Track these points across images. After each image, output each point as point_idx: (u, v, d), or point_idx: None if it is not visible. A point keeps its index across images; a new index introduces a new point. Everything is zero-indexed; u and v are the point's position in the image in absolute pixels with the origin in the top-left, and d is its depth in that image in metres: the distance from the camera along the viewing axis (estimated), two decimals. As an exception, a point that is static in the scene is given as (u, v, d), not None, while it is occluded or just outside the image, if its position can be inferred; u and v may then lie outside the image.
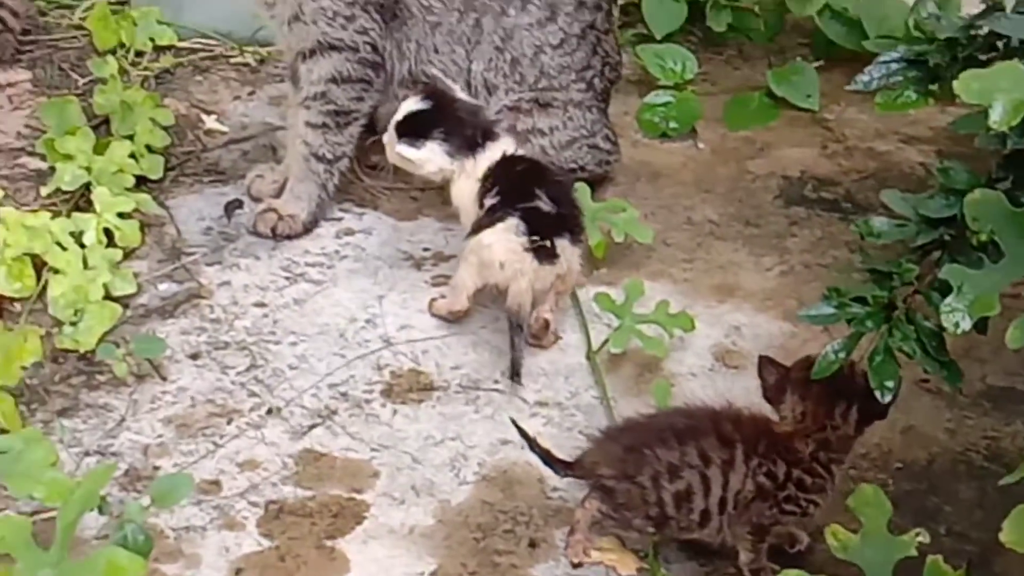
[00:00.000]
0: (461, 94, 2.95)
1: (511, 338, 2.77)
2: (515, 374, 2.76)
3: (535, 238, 2.77)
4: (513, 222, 2.80)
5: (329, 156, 3.08)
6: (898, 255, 2.42)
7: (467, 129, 2.88)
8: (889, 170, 3.33)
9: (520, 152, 2.93)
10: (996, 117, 1.89)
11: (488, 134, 2.90)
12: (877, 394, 2.25)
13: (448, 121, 2.88)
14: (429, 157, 2.88)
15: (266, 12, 3.03)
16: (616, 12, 3.51)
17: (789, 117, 3.51)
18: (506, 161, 2.88)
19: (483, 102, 3.03)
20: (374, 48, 3.02)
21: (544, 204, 2.83)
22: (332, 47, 2.99)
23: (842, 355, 2.26)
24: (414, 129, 2.88)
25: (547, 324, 2.87)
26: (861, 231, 2.45)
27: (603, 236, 3.00)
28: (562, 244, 2.81)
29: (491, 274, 2.81)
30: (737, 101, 3.52)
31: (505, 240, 2.79)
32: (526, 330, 2.80)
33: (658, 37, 3.62)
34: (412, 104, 2.89)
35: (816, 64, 3.59)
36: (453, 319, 2.89)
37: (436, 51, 3.07)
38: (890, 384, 2.24)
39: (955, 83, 1.93)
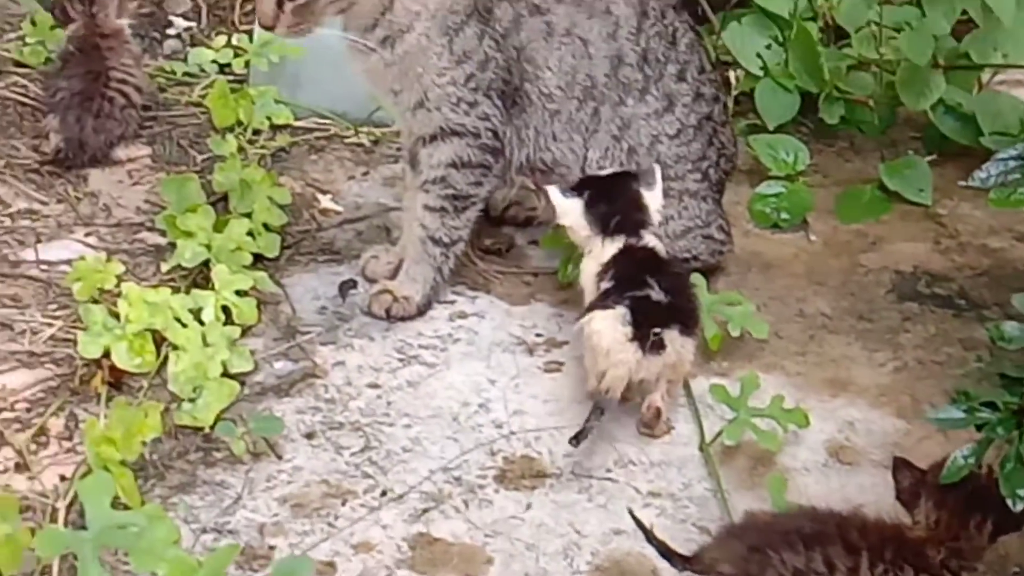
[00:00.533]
0: (651, 189, 2.98)
1: (589, 415, 2.78)
2: (576, 438, 2.75)
3: (656, 330, 2.78)
4: (621, 311, 2.81)
5: (446, 240, 3.11)
6: (1030, 360, 2.41)
7: (614, 211, 2.93)
8: (1003, 268, 3.31)
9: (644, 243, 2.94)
10: None
11: (629, 227, 2.93)
12: (1008, 502, 2.24)
13: (606, 194, 2.94)
14: (567, 210, 2.96)
15: (390, 99, 3.07)
16: (730, 102, 3.54)
17: (901, 211, 3.51)
18: (628, 249, 2.90)
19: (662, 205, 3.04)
20: (495, 134, 3.05)
21: (655, 293, 2.84)
22: (454, 132, 3.03)
23: (971, 461, 2.25)
24: (579, 184, 2.98)
25: (659, 413, 2.87)
26: (992, 336, 2.43)
27: (718, 328, 3.00)
28: (671, 335, 2.82)
29: (597, 358, 2.82)
30: (849, 194, 3.53)
31: (611, 328, 2.81)
32: (606, 415, 2.79)
33: (771, 128, 3.64)
34: (606, 170, 3.00)
35: (929, 158, 3.59)
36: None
37: (555, 138, 3.10)
38: (1022, 492, 2.23)
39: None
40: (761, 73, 3.70)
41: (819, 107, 3.66)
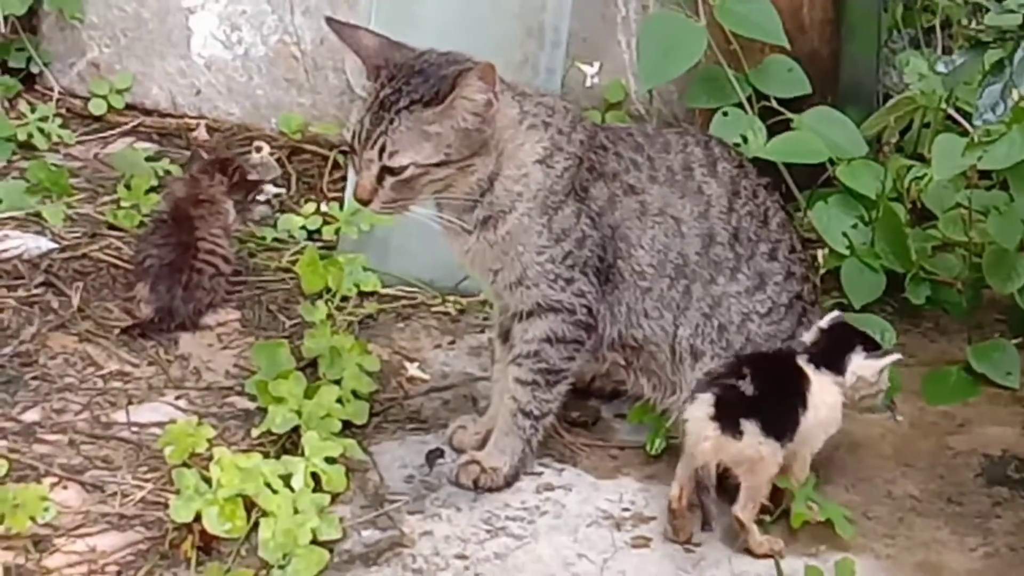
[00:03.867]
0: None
1: (699, 497, 2.92)
2: (706, 524, 2.93)
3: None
4: (707, 396, 2.92)
5: (536, 413, 3.12)
6: None
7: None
8: (1092, 454, 3.30)
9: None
10: None
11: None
12: None
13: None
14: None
15: (487, 278, 3.10)
16: (817, 280, 3.55)
17: (989, 394, 3.50)
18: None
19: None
20: (589, 311, 3.07)
21: (745, 386, 2.92)
22: (550, 308, 3.06)
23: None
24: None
25: (741, 524, 2.92)
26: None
27: (806, 511, 2.99)
28: (750, 427, 2.89)
29: (688, 444, 2.94)
30: (936, 375, 3.52)
31: (698, 411, 2.92)
32: (712, 491, 2.91)
33: (856, 306, 3.65)
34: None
35: (1015, 341, 3.59)
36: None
37: (646, 315, 3.12)
38: None
39: None
40: (847, 252, 3.72)
41: (905, 287, 3.68)
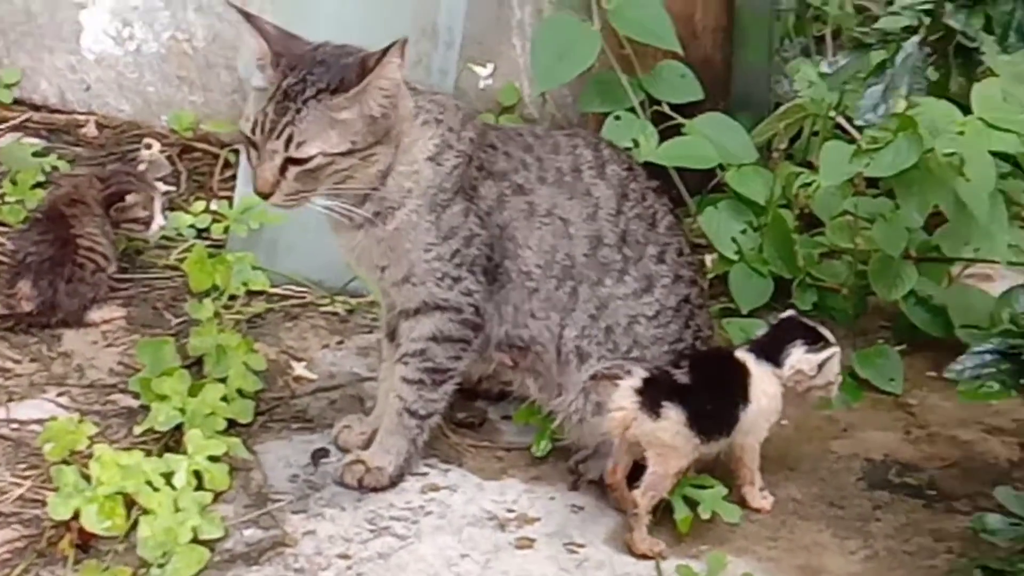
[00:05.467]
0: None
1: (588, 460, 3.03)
2: (574, 487, 3.06)
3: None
4: (640, 371, 2.98)
5: (422, 412, 3.11)
6: (1008, 552, 2.41)
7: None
8: (973, 460, 3.33)
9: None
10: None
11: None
12: None
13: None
14: None
15: (375, 274, 3.08)
16: (704, 285, 3.57)
17: (872, 399, 3.53)
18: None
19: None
20: (476, 310, 3.07)
21: (681, 376, 2.98)
22: (437, 307, 3.05)
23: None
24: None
25: (635, 507, 2.94)
26: (975, 527, 2.45)
27: (688, 511, 3.01)
28: (672, 413, 2.93)
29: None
30: (820, 380, 3.55)
31: (626, 381, 2.97)
32: (607, 459, 2.97)
33: (744, 311, 3.68)
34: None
35: (899, 348, 3.63)
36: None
37: (533, 316, 3.11)
38: None
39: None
40: (736, 257, 3.75)
41: (792, 293, 3.70)
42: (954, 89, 3.54)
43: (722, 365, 3.09)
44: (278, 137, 2.87)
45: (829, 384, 3.10)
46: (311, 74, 2.89)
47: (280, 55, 2.92)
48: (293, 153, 2.86)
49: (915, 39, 2.62)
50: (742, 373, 3.05)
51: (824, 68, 2.83)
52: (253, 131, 2.90)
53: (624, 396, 2.95)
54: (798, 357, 3.06)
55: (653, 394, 2.95)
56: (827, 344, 3.09)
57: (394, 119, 2.94)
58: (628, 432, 2.95)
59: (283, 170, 2.88)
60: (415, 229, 3.00)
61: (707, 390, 3.01)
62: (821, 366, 3.06)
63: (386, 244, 3.01)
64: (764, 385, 3.06)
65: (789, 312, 3.18)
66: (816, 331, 3.12)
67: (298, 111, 2.86)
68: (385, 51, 2.88)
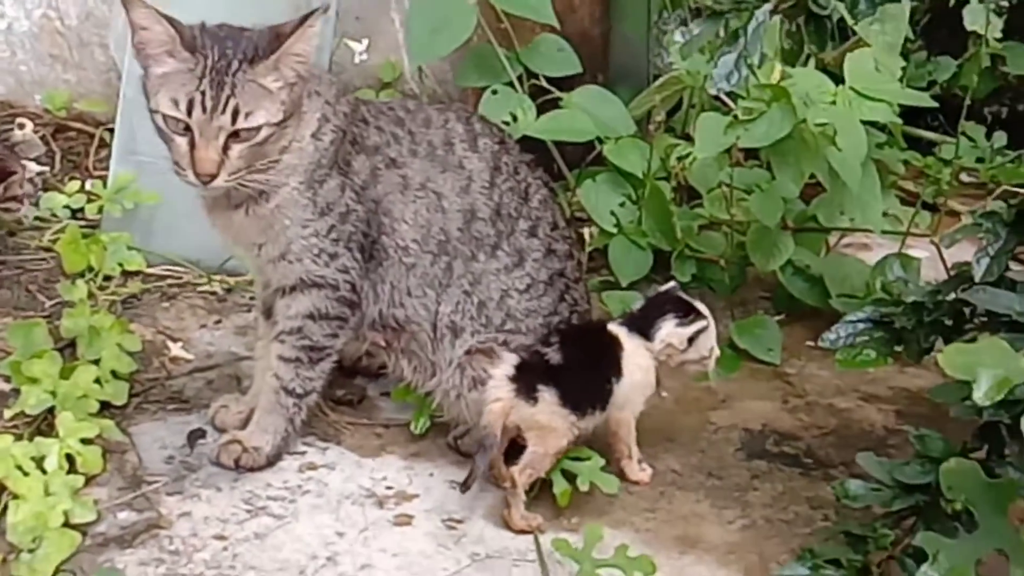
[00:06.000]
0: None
1: (475, 457, 2.94)
2: (465, 485, 2.94)
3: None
4: (511, 357, 2.98)
5: (299, 391, 3.09)
6: (872, 518, 2.43)
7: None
8: (849, 427, 3.36)
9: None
10: (980, 392, 1.93)
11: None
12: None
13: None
14: None
15: (251, 252, 3.05)
16: (584, 258, 3.57)
17: (750, 369, 3.55)
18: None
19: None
20: (353, 287, 3.05)
21: (553, 355, 2.97)
22: (313, 284, 3.02)
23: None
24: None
25: (513, 485, 2.95)
26: (837, 494, 2.47)
27: (567, 484, 3.01)
28: (547, 395, 2.94)
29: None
30: (699, 352, 3.56)
31: (499, 369, 2.97)
32: (489, 454, 2.92)
33: (623, 284, 3.68)
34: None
35: (777, 318, 3.65)
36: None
37: (409, 294, 3.10)
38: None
39: (939, 356, 1.98)
40: (615, 230, 3.75)
41: (671, 265, 3.71)
42: (828, 61, 3.58)
43: (594, 339, 3.09)
44: (223, 112, 2.82)
45: (703, 358, 3.10)
46: (228, 50, 2.85)
47: (192, 37, 2.86)
48: (242, 124, 2.83)
49: (767, 6, 2.63)
50: (614, 347, 3.05)
51: (677, 38, 2.82)
52: (189, 112, 2.83)
53: (499, 386, 2.96)
54: (668, 331, 3.06)
55: (527, 379, 2.96)
56: (698, 317, 3.09)
57: (302, 91, 2.92)
58: (507, 420, 2.95)
59: (226, 148, 2.84)
60: (294, 206, 2.97)
61: (579, 366, 3.01)
62: (691, 340, 3.07)
63: (265, 222, 2.98)
64: (637, 359, 3.06)
65: (669, 284, 3.18)
66: (689, 304, 3.12)
67: (234, 85, 2.83)
68: (305, 18, 2.87)
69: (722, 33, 2.62)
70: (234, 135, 2.84)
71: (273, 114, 2.86)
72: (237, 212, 2.97)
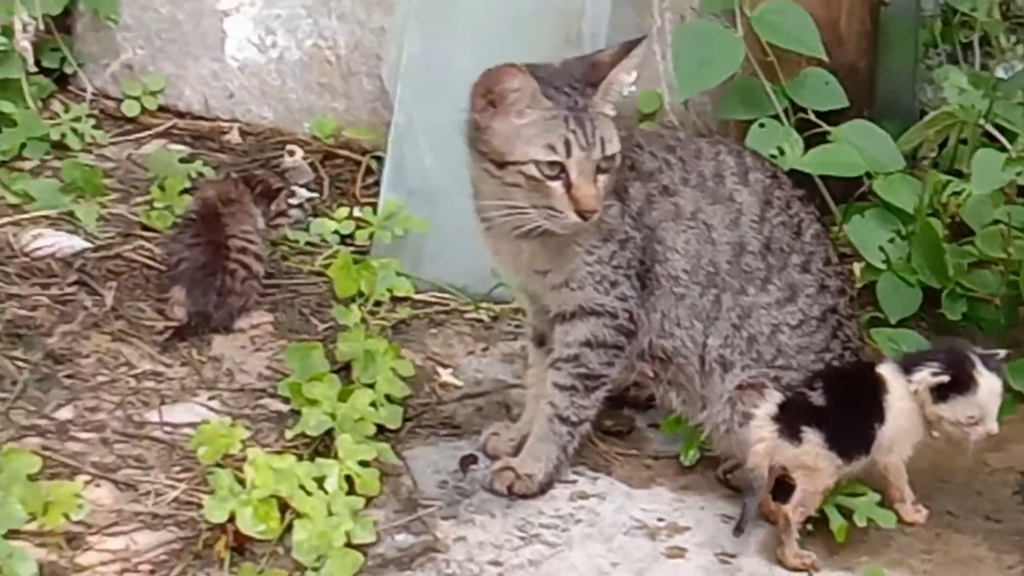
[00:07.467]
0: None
1: (744, 500, 2.93)
2: (738, 528, 2.93)
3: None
4: (775, 395, 2.97)
5: (574, 419, 3.11)
6: None
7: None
8: None
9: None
10: None
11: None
12: None
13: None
14: None
15: (534, 279, 3.09)
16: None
17: (1024, 411, 3.48)
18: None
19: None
20: (631, 316, 3.06)
21: (815, 397, 2.94)
22: (592, 312, 3.05)
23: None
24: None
25: (787, 522, 2.92)
26: None
27: (843, 520, 2.98)
28: (812, 436, 2.91)
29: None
30: (972, 393, 3.49)
31: (762, 409, 2.96)
32: (758, 495, 2.91)
33: (892, 321, 3.63)
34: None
35: (1051, 361, 3.57)
36: None
37: (678, 324, 3.10)
38: None
39: None
40: (884, 267, 3.70)
41: (942, 303, 3.65)
42: None
43: (858, 382, 3.05)
44: (595, 146, 2.91)
45: (959, 424, 3.00)
46: (571, 86, 2.93)
47: (546, 83, 2.92)
48: (608, 153, 2.92)
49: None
50: (878, 390, 3.01)
51: (1000, 73, 2.78)
52: (568, 153, 2.90)
53: (762, 426, 2.95)
54: (919, 377, 3.00)
55: (791, 419, 2.94)
56: (963, 377, 2.98)
57: None
58: (773, 460, 2.94)
59: (595, 181, 2.92)
60: (583, 232, 2.99)
61: (842, 409, 2.97)
62: (944, 396, 2.98)
63: (556, 249, 3.01)
64: (901, 403, 3.01)
65: (994, 351, 3.08)
66: (963, 361, 3.01)
67: (592, 118, 2.92)
68: (629, 47, 2.97)
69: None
70: (597, 168, 2.90)
71: (618, 141, 2.92)
72: (528, 241, 3.00)
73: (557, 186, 2.90)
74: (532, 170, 2.90)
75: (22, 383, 3.33)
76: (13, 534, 2.80)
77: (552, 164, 2.89)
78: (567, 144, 2.89)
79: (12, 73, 4.25)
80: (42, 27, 4.22)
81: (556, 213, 2.91)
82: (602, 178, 2.92)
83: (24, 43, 4.14)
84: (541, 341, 3.20)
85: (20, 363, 3.39)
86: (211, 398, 3.37)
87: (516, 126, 2.91)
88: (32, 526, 2.86)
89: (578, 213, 2.90)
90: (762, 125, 3.85)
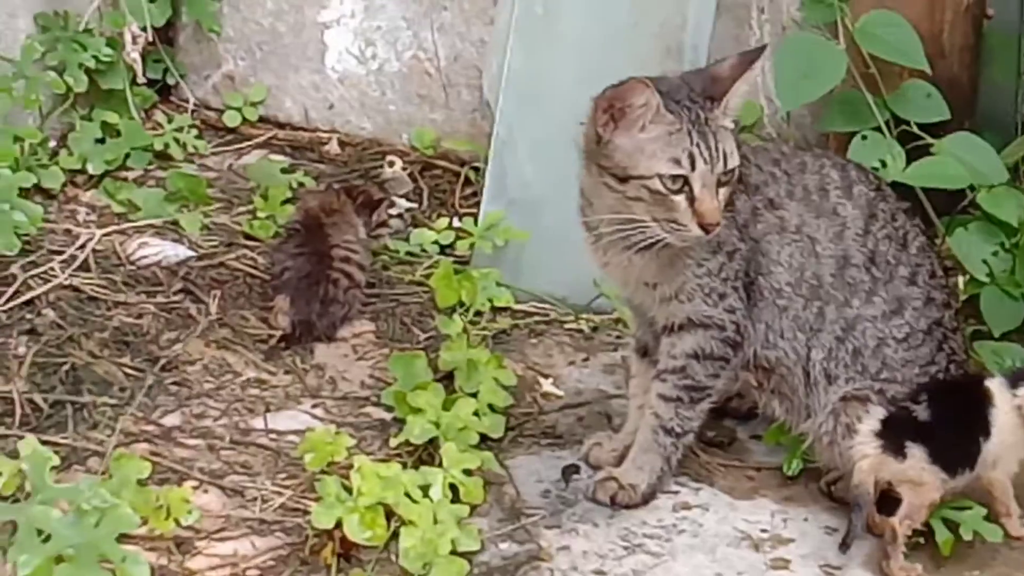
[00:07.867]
0: None
1: (850, 515, 2.92)
2: (844, 544, 2.92)
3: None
4: (878, 411, 2.95)
5: (678, 430, 3.11)
6: None
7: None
8: None
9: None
10: None
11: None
12: None
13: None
14: None
15: (641, 291, 3.10)
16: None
17: None
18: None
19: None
20: (737, 328, 3.06)
21: (920, 411, 2.93)
22: (700, 324, 3.05)
23: None
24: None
25: (894, 535, 2.91)
26: None
27: (949, 533, 2.96)
28: (916, 451, 2.90)
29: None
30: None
31: (865, 425, 2.95)
32: (864, 511, 2.90)
33: (996, 335, 3.61)
34: None
35: None
36: None
37: (782, 336, 3.09)
38: None
39: None
40: (987, 280, 3.68)
41: (1047, 316, 3.63)
42: None
43: (963, 396, 3.03)
44: (718, 160, 2.92)
45: None
46: (691, 100, 2.94)
47: (669, 95, 2.93)
48: (730, 167, 2.93)
49: None
50: (984, 405, 2.99)
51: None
52: (692, 166, 2.91)
53: (866, 442, 2.94)
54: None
55: (894, 435, 2.94)
56: None
57: None
58: (878, 475, 2.93)
59: (715, 195, 2.93)
60: (695, 244, 3.00)
61: (946, 424, 2.96)
62: None
63: (667, 261, 3.02)
64: (1007, 418, 2.99)
65: None
66: None
67: (715, 132, 2.94)
68: (750, 58, 2.98)
69: None
70: (719, 181, 2.92)
71: (737, 154, 2.94)
72: (638, 254, 3.01)
73: (680, 200, 2.91)
74: (656, 184, 2.91)
75: (130, 390, 3.38)
76: (124, 538, 2.83)
77: (676, 178, 2.90)
78: (691, 158, 2.90)
79: (116, 84, 4.29)
80: (150, 38, 4.26)
81: (679, 227, 2.92)
82: (723, 191, 2.93)
83: (134, 54, 4.18)
84: (644, 352, 3.21)
85: (128, 370, 3.44)
86: (315, 406, 3.40)
87: (640, 140, 2.92)
88: (142, 530, 2.89)
89: (701, 226, 2.91)
90: (864, 137, 3.83)
